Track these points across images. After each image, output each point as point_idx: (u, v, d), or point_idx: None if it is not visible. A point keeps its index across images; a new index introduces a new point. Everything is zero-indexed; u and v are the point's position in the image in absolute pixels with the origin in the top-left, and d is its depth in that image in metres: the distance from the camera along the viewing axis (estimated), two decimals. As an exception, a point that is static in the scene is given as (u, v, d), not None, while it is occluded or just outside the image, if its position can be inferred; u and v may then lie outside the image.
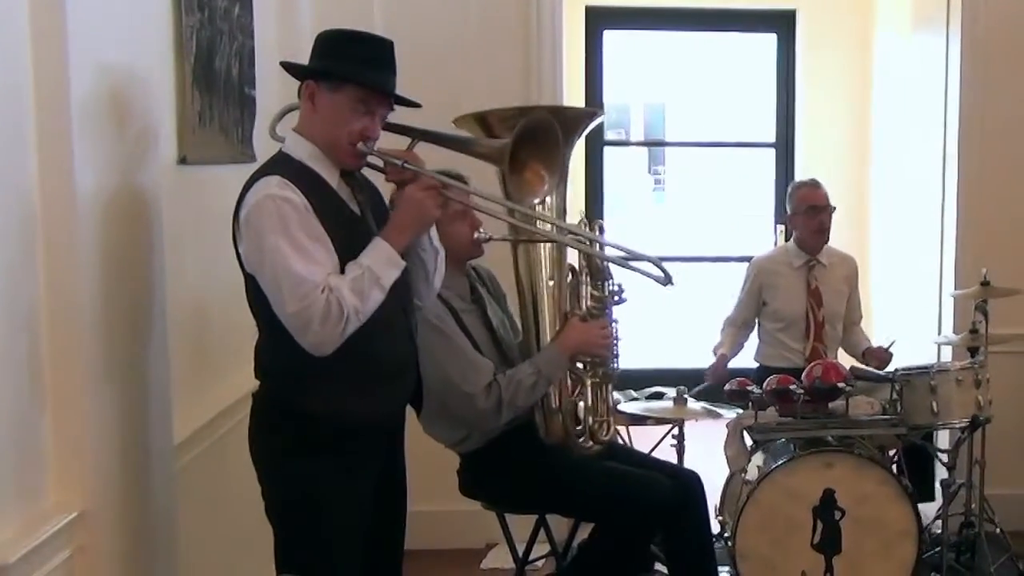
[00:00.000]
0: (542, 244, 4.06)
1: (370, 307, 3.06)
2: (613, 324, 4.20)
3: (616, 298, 4.18)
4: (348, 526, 3.22)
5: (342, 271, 3.06)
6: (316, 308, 2.94)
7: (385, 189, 3.47)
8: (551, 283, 4.09)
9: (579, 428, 4.12)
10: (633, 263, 3.46)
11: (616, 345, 4.20)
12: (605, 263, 4.10)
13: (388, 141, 3.33)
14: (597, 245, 4.14)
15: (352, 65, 3.15)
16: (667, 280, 3.38)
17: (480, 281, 4.39)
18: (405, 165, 3.23)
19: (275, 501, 3.26)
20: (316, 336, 2.98)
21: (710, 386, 5.60)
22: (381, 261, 3.09)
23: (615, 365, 4.23)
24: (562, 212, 4.11)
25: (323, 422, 3.14)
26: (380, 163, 3.29)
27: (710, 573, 4.45)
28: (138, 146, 3.26)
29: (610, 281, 4.15)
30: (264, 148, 3.81)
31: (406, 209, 3.19)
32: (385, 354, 3.22)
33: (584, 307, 4.13)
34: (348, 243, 3.11)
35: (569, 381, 4.13)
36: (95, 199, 2.95)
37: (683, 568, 4.41)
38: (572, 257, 4.19)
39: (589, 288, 4.13)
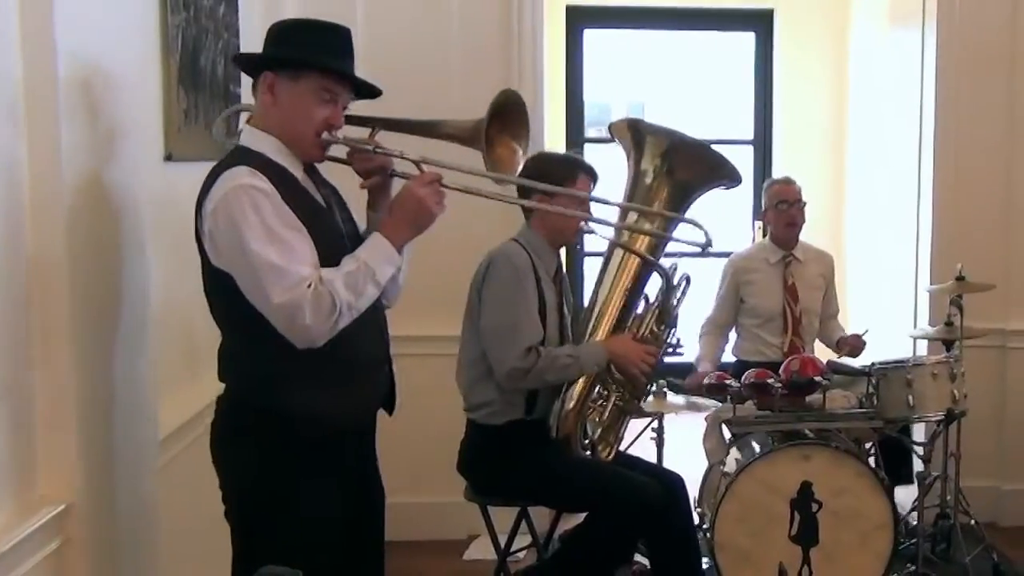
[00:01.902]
0: (634, 257, 4.23)
1: (364, 303, 2.99)
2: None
3: (671, 349, 4.31)
4: (327, 529, 3.12)
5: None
6: (305, 299, 2.85)
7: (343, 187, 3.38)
8: (625, 291, 4.26)
9: (586, 441, 4.25)
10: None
11: (651, 384, 4.35)
12: (676, 311, 4.26)
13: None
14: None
15: (312, 52, 3.05)
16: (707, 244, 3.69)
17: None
18: (376, 150, 3.16)
19: (242, 510, 3.15)
20: (305, 329, 2.87)
21: (687, 391, 5.66)
22: (378, 257, 3.00)
23: (643, 401, 4.37)
24: (666, 243, 4.27)
25: (300, 425, 3.01)
26: (344, 154, 3.20)
27: (695, 571, 4.50)
28: (124, 143, 3.26)
29: (674, 330, 4.28)
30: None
31: (406, 205, 3.07)
32: (360, 352, 3.11)
33: (641, 333, 4.23)
34: (318, 235, 2.99)
35: (597, 391, 4.24)
36: (82, 195, 2.97)
37: (667, 567, 4.46)
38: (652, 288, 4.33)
39: (652, 322, 4.24)
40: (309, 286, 2.86)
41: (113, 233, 3.19)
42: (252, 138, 3.08)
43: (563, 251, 4.68)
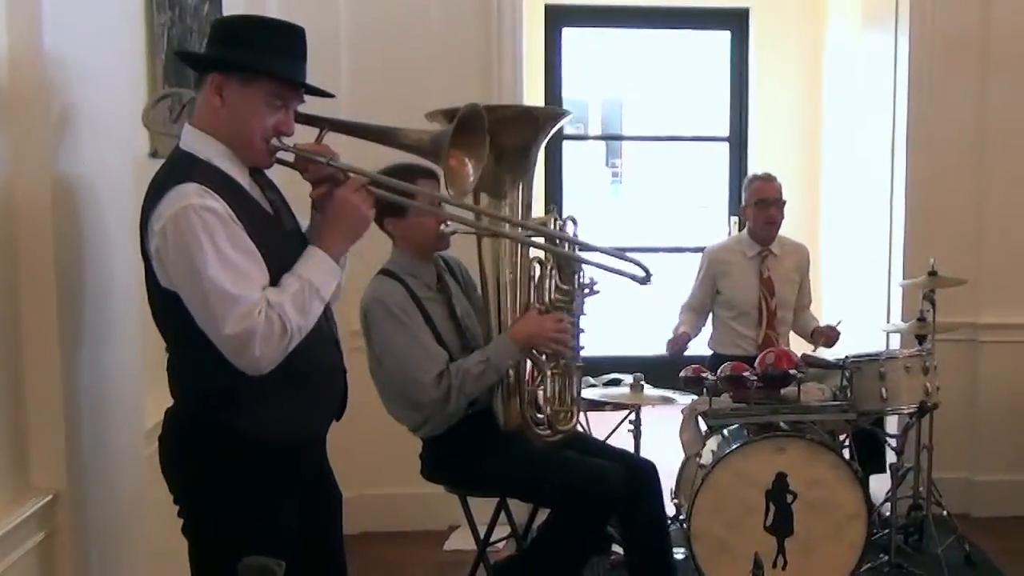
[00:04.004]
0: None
1: (311, 321, 2.89)
2: (580, 317, 4.22)
3: (587, 290, 4.20)
4: (284, 541, 2.99)
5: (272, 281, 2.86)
6: (257, 329, 2.73)
7: (283, 184, 3.25)
8: (510, 276, 4.12)
9: (539, 416, 4.18)
10: (609, 263, 3.57)
11: (577, 338, 4.21)
12: (574, 256, 4.11)
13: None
14: (566, 245, 4.11)
15: (265, 56, 2.87)
16: (646, 278, 3.51)
17: (449, 271, 4.42)
18: (331, 162, 3.00)
19: (201, 523, 3.04)
20: (255, 358, 2.76)
21: (667, 357, 5.70)
22: (320, 271, 2.90)
23: (578, 357, 4.24)
24: (527, 207, 4.16)
25: (253, 442, 2.91)
26: (291, 159, 3.03)
27: (666, 557, 4.52)
28: (110, 140, 3.29)
29: (580, 274, 4.16)
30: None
31: (340, 214, 2.97)
32: (316, 364, 3.02)
33: (548, 300, 4.14)
34: (267, 247, 2.87)
35: (531, 370, 4.18)
36: (69, 191, 3.00)
37: (639, 552, 4.48)
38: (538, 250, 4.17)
39: (556, 281, 4.13)
40: (260, 313, 2.75)
41: (100, 229, 3.21)
42: (196, 142, 2.92)
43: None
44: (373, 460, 5.44)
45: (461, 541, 5.66)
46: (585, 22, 9.26)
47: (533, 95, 7.66)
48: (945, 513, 5.53)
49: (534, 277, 4.17)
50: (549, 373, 4.18)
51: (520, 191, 4.12)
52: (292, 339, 2.82)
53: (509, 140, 4.02)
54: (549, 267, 4.13)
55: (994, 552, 5.59)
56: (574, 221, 4.12)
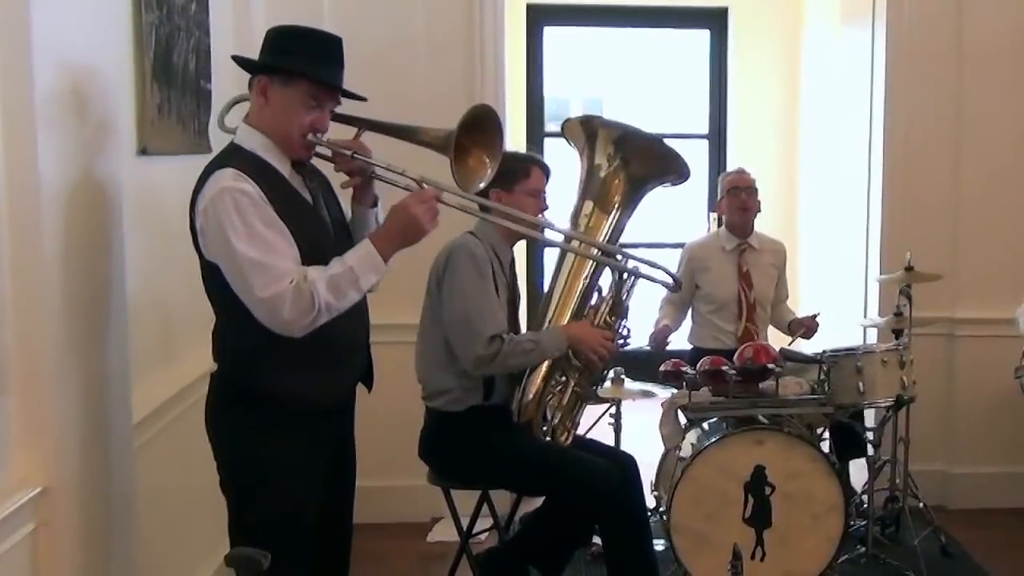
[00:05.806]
0: (591, 249, 4.31)
1: (344, 305, 3.16)
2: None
3: (622, 340, 4.38)
4: (302, 502, 3.31)
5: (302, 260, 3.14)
6: (287, 294, 3.04)
7: (334, 177, 3.57)
8: (583, 284, 4.35)
9: (544, 429, 4.32)
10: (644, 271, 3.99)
11: (607, 371, 4.43)
12: (627, 304, 4.30)
13: (333, 131, 3.40)
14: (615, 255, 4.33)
15: (304, 61, 3.21)
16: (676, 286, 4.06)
17: None
18: (355, 156, 3.36)
19: (231, 478, 3.34)
20: (286, 320, 3.06)
21: (649, 350, 5.77)
22: (365, 264, 3.17)
23: (596, 389, 4.44)
24: (620, 232, 4.40)
25: (281, 403, 3.22)
26: (329, 153, 3.39)
27: (646, 550, 4.53)
28: (99, 137, 3.33)
29: (624, 321, 4.35)
30: (219, 139, 3.87)
31: (399, 220, 3.24)
32: (340, 336, 3.29)
33: (598, 321, 4.31)
34: (302, 230, 3.17)
35: (556, 377, 4.31)
36: (58, 188, 3.03)
37: (620, 545, 4.49)
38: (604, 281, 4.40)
39: (606, 313, 4.31)
40: (291, 282, 3.06)
41: (90, 224, 3.25)
42: (245, 135, 3.28)
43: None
44: (357, 453, 5.47)
45: (444, 533, 5.71)
46: (566, 21, 9.29)
47: (515, 93, 7.69)
48: (921, 505, 5.59)
49: (591, 299, 4.37)
50: (572, 385, 4.31)
51: (619, 216, 4.35)
52: (320, 314, 3.11)
53: (638, 169, 4.33)
54: (607, 298, 4.30)
55: (970, 543, 5.66)
56: (637, 274, 4.21)
